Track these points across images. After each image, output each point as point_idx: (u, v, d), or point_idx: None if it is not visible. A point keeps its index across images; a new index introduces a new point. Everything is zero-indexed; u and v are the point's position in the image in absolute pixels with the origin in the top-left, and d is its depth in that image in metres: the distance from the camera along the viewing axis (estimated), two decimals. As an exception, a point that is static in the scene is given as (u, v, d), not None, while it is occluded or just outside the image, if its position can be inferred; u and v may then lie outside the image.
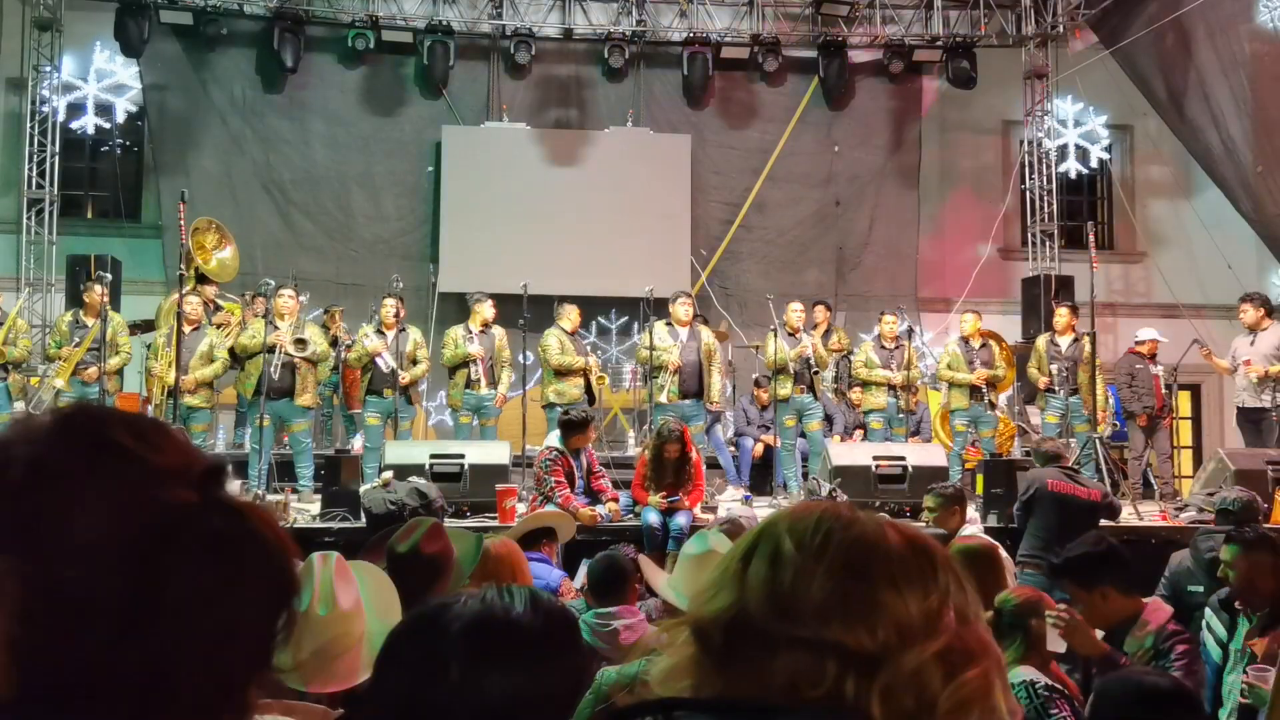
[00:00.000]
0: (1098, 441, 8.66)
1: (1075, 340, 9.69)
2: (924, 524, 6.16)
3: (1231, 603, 4.22)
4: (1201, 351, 9.65)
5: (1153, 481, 9.71)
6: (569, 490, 7.26)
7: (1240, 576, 4.13)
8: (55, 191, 11.83)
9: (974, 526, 6.22)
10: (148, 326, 10.08)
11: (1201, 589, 4.92)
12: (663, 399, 8.77)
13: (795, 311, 9.47)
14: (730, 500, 8.87)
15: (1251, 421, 9.37)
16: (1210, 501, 7.83)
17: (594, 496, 7.58)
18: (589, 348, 9.62)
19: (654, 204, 12.77)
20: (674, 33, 13.19)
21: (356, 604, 2.39)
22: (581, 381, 9.11)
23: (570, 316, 9.40)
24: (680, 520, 7.21)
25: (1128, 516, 7.59)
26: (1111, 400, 10.40)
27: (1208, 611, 4.31)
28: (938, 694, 0.94)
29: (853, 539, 1.00)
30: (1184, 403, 13.02)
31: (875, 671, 0.93)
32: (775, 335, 9.16)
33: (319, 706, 2.05)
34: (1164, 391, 9.89)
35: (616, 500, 7.55)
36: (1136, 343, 10.12)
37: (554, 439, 7.53)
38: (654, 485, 7.39)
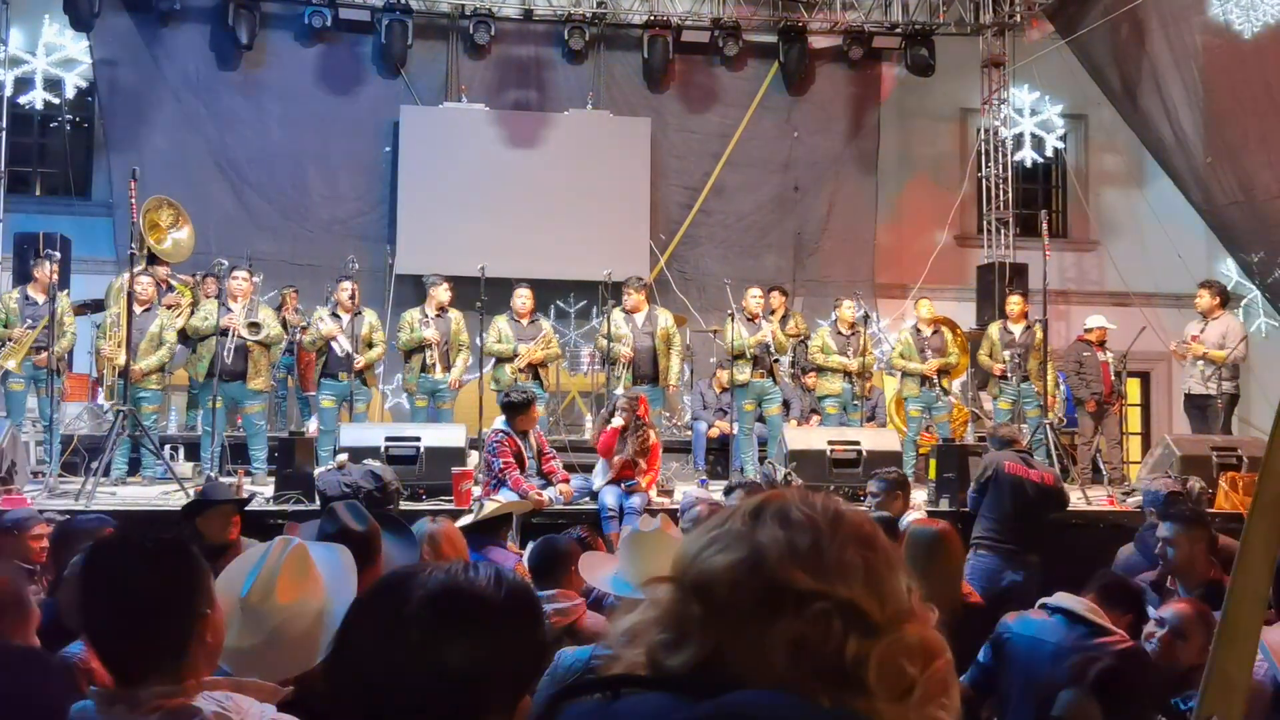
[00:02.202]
0: (1049, 427, 8.79)
1: (1028, 327, 9.81)
2: (868, 508, 6.21)
3: (1163, 583, 4.31)
4: (1172, 349, 9.81)
5: (1101, 467, 9.87)
6: (519, 473, 7.24)
7: (1181, 554, 4.23)
8: (2, 167, 11.56)
9: (917, 513, 6.26)
10: (97, 306, 9.92)
11: None
12: (618, 390, 8.76)
13: (754, 298, 9.48)
14: (685, 485, 8.90)
15: (1198, 408, 9.55)
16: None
17: (546, 479, 7.57)
18: (551, 333, 9.44)
19: (613, 187, 12.74)
20: (634, 15, 13.15)
21: (303, 594, 2.38)
22: (514, 368, 8.93)
23: (514, 302, 9.23)
24: (635, 501, 7.22)
25: (1076, 501, 7.71)
26: (1062, 387, 10.56)
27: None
28: (917, 678, 0.98)
29: (858, 521, 1.06)
30: (1133, 389, 13.24)
31: (876, 640, 0.97)
32: (733, 320, 9.19)
33: (269, 684, 2.05)
34: (1113, 379, 10.05)
35: (568, 481, 7.52)
36: (1085, 330, 10.28)
37: (500, 421, 7.51)
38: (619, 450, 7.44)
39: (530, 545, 4.10)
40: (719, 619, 1.00)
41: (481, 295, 9.04)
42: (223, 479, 7.79)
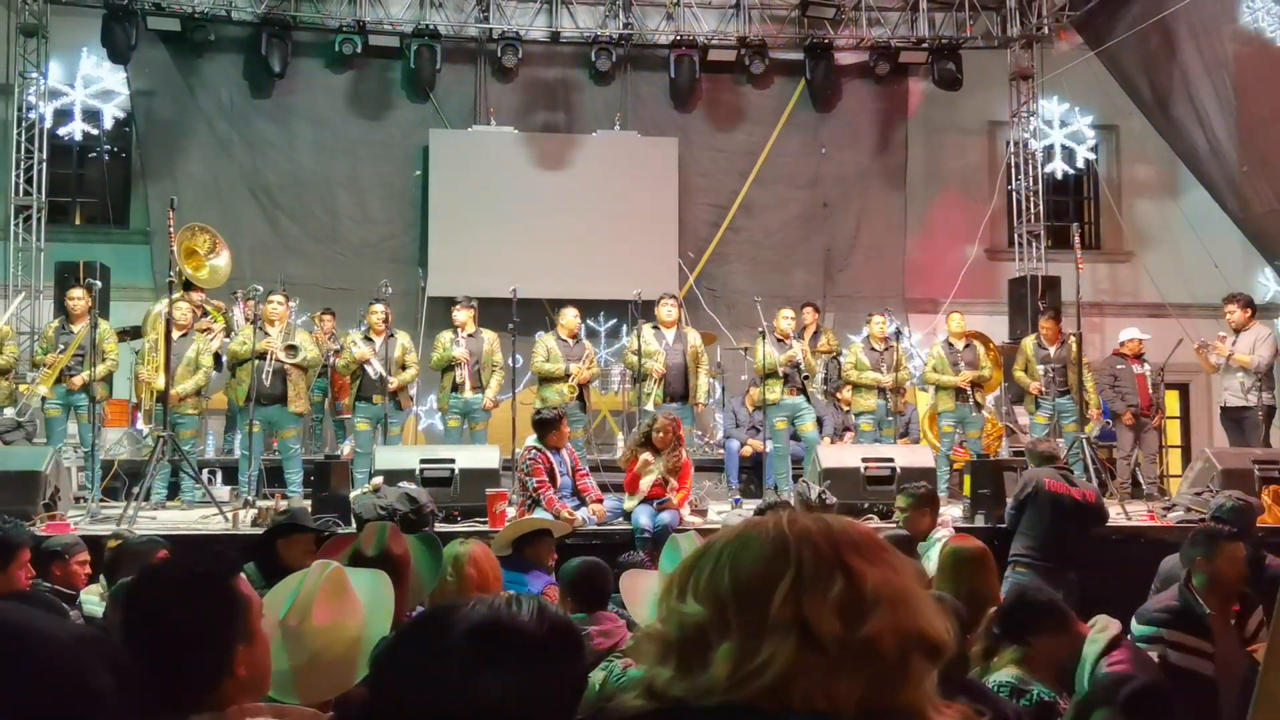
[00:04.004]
0: (1085, 442, 8.70)
1: (1062, 342, 9.72)
2: (895, 524, 6.15)
3: (1193, 604, 4.25)
4: (1196, 348, 9.68)
5: (1141, 481, 9.75)
6: (552, 491, 7.25)
7: (1222, 574, 4.19)
8: (43, 198, 11.79)
9: (945, 530, 6.17)
10: (135, 333, 10.05)
11: None
12: (649, 407, 8.77)
13: (785, 318, 9.43)
14: (719, 504, 8.88)
15: (1234, 420, 9.41)
16: (1198, 502, 7.88)
17: (580, 497, 7.57)
18: (594, 352, 9.51)
19: (641, 207, 12.78)
20: (661, 35, 13.21)
21: (340, 617, 2.40)
22: (564, 387, 9.03)
23: (563, 321, 9.36)
24: (665, 518, 7.20)
25: (1116, 516, 7.62)
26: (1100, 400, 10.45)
27: None
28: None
29: (858, 531, 1.16)
30: (1172, 402, 13.09)
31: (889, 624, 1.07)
32: (764, 339, 9.17)
33: (310, 709, 2.07)
34: (1150, 391, 9.93)
35: (601, 501, 7.52)
36: (1119, 344, 10.18)
37: (533, 439, 7.54)
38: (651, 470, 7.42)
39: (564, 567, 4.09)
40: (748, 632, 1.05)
41: (514, 316, 9.09)
42: (261, 503, 7.87)
